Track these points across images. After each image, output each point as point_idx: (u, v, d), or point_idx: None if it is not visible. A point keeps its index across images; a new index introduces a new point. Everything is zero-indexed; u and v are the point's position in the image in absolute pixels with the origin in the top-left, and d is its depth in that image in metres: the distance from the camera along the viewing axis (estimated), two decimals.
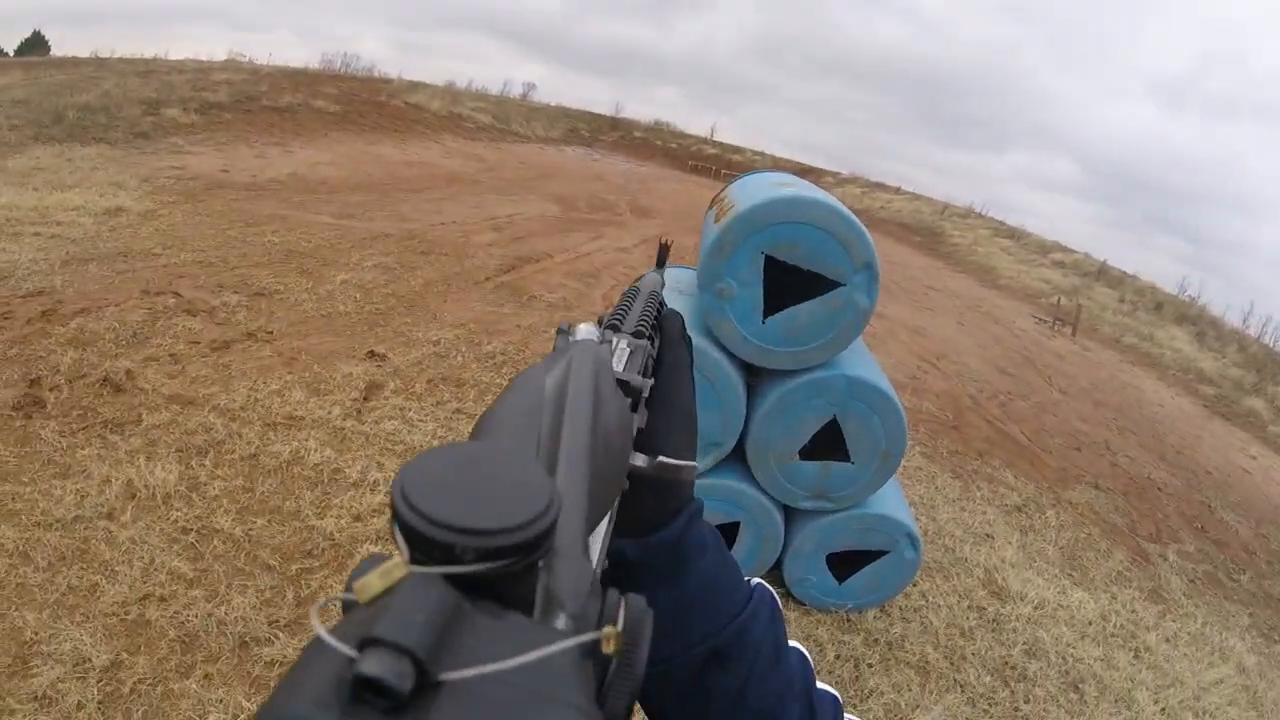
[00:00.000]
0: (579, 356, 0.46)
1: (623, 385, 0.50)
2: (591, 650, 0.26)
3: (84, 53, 18.81)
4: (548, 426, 0.38)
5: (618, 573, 0.53)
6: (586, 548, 0.33)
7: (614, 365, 0.52)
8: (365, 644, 0.21)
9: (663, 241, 0.91)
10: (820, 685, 0.59)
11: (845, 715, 0.59)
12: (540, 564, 0.27)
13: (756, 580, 0.59)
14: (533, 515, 0.25)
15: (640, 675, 0.28)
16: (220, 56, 22.08)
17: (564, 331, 0.53)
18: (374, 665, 0.20)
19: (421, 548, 0.24)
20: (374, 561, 0.25)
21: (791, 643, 0.59)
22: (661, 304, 0.69)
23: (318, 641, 0.21)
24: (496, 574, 0.25)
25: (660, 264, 0.88)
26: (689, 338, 0.64)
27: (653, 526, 0.53)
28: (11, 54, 29.23)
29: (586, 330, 0.54)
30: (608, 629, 0.27)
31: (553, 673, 0.23)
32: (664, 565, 0.53)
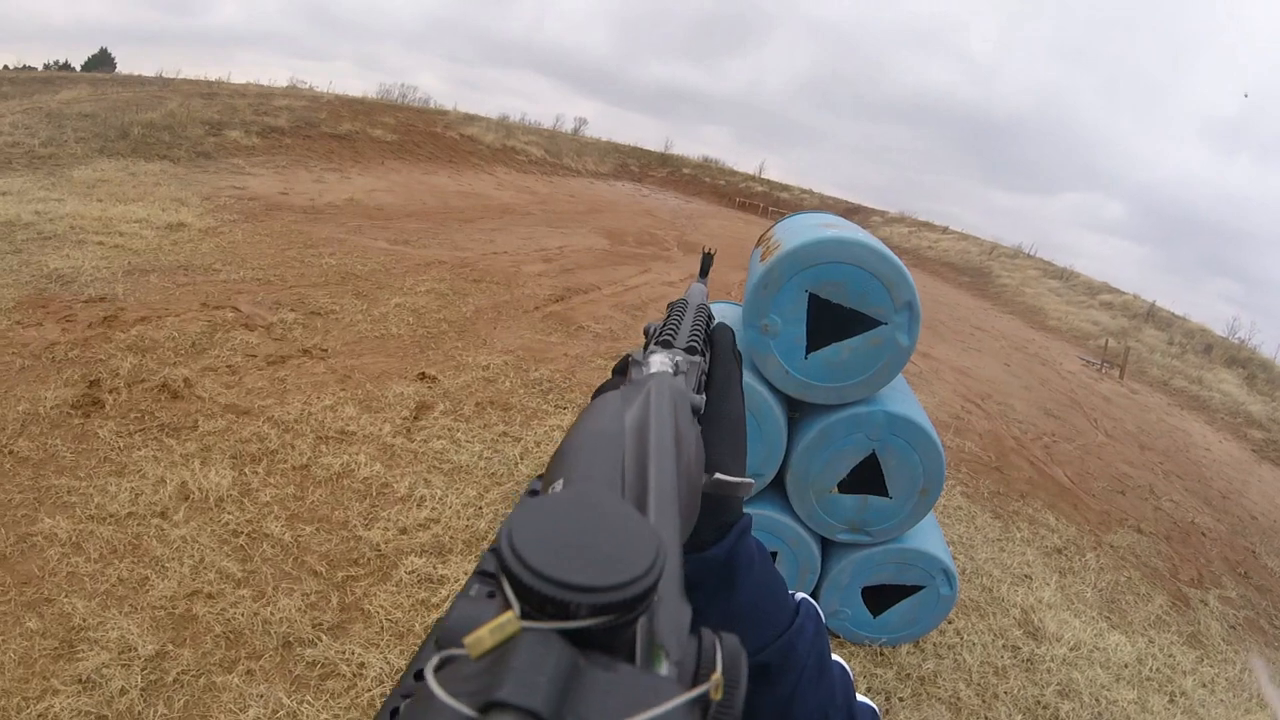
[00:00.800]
0: (658, 390, 0.45)
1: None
2: (699, 698, 0.25)
3: (149, 71, 19.41)
4: (632, 464, 0.38)
5: None
6: (683, 589, 0.33)
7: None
8: (489, 706, 0.20)
9: (706, 250, 0.92)
10: (860, 697, 0.60)
11: None
12: None
13: (801, 595, 0.59)
14: (644, 569, 0.25)
15: (739, 716, 0.28)
16: (282, 82, 22.68)
17: (638, 363, 0.53)
18: None
19: (533, 603, 0.24)
20: (470, 609, 0.25)
21: (834, 656, 0.58)
22: (710, 317, 0.69)
23: (431, 699, 0.21)
24: (607, 626, 0.25)
25: (703, 274, 0.88)
26: (739, 352, 0.65)
27: (705, 542, 0.53)
28: (78, 69, 30.14)
29: (661, 362, 0.53)
30: (714, 677, 0.27)
31: None
32: (716, 581, 0.53)
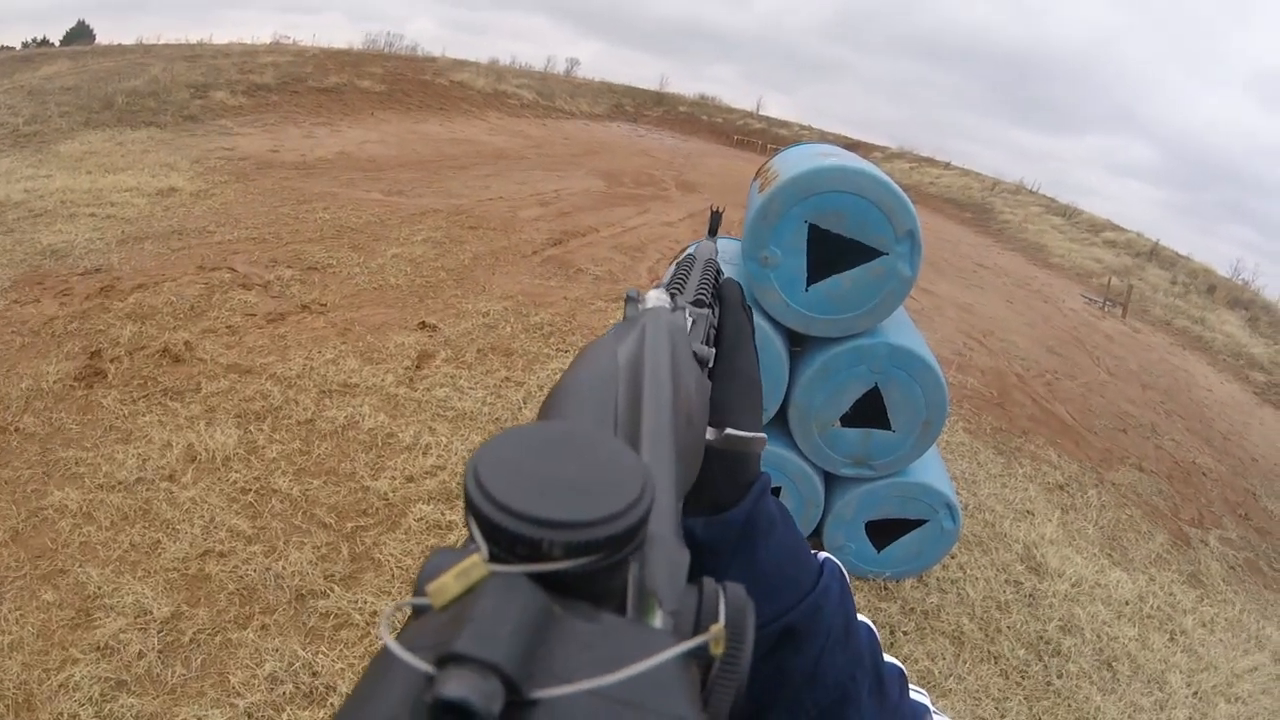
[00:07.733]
0: (653, 324, 0.43)
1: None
2: (695, 651, 0.24)
3: (129, 40, 19.13)
4: (624, 400, 0.36)
5: None
6: (680, 533, 0.30)
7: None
8: (445, 660, 0.19)
9: (714, 209, 0.91)
10: (886, 658, 0.57)
11: (910, 688, 0.58)
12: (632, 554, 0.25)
13: (824, 555, 0.56)
14: (627, 503, 0.23)
15: (745, 673, 0.26)
16: (265, 39, 22.32)
17: (634, 299, 0.50)
18: (456, 686, 0.18)
19: (502, 544, 0.22)
20: (444, 558, 0.23)
21: (860, 617, 0.56)
22: (719, 272, 0.67)
23: (388, 655, 0.19)
24: (587, 570, 0.23)
25: (712, 232, 0.87)
26: (749, 306, 0.63)
27: (723, 503, 0.50)
28: (57, 44, 29.67)
29: (657, 297, 0.51)
30: (714, 628, 0.25)
31: (657, 682, 0.20)
32: (735, 544, 0.50)
